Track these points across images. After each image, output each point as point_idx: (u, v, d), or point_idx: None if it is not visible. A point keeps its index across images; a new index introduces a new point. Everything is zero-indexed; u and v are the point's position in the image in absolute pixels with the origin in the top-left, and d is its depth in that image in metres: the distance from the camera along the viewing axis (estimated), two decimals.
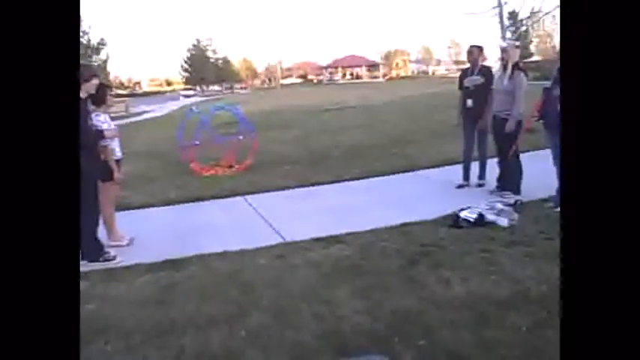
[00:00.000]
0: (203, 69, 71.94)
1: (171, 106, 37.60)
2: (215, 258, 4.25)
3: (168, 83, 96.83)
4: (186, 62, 74.32)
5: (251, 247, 4.46)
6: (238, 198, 6.63)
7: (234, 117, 10.95)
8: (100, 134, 4.54)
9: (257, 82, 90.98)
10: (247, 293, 3.42)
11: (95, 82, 4.44)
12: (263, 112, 22.58)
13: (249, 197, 6.60)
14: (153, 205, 6.47)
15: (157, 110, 34.27)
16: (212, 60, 75.68)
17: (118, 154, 4.87)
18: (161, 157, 10.70)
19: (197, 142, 8.96)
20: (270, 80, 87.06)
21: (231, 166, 8.86)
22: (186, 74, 74.94)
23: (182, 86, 74.23)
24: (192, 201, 6.58)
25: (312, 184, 7.12)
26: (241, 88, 77.29)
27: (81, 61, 4.34)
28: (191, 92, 64.10)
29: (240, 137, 9.40)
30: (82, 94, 4.26)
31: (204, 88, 73.08)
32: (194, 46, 74.47)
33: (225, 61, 79.60)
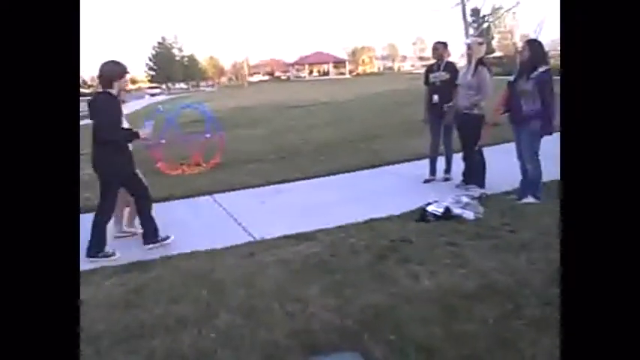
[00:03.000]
0: (169, 67, 70.92)
1: (137, 105, 36.86)
2: (183, 258, 4.19)
3: (133, 81, 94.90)
4: (151, 60, 73.07)
5: (220, 247, 4.42)
6: (207, 197, 6.55)
7: (201, 115, 10.83)
8: (135, 135, 4.52)
9: (224, 79, 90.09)
10: (217, 293, 3.38)
11: (127, 78, 4.46)
12: (230, 109, 22.36)
13: (217, 196, 6.53)
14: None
15: (123, 109, 33.47)
16: (178, 58, 74.68)
17: None
18: None
19: (162, 141, 8.82)
20: (237, 78, 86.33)
21: (198, 165, 8.77)
22: (151, 72, 73.67)
23: (148, 84, 72.89)
24: (160, 201, 6.47)
25: (281, 182, 7.10)
26: (208, 86, 76.45)
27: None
28: (157, 90, 63.00)
29: (208, 135, 9.30)
30: (115, 91, 4.34)
31: (171, 86, 72.07)
32: (159, 44, 73.30)
33: (192, 59, 78.63)
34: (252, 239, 4.70)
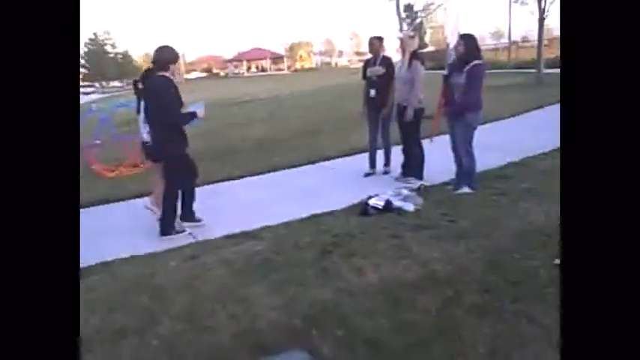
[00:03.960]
0: (102, 64, 67.88)
1: None
2: (122, 264, 4.03)
3: None
4: (83, 57, 69.80)
5: (161, 250, 4.29)
6: (146, 198, 6.33)
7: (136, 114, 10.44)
8: (194, 115, 4.66)
9: None
10: (158, 299, 3.28)
11: (179, 62, 4.52)
12: None
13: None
14: None
15: None
16: (111, 55, 71.70)
17: None
18: None
19: (97, 142, 8.44)
20: (173, 75, 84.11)
21: (136, 166, 8.45)
22: (83, 70, 70.39)
23: (80, 83, 69.64)
24: (97, 204, 6.20)
25: (221, 180, 6.97)
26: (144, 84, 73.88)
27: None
28: (90, 89, 60.27)
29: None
30: (170, 75, 4.54)
31: (104, 84, 69.20)
32: (91, 40, 69.99)
33: (126, 55, 75.78)
34: (193, 240, 4.59)
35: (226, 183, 6.85)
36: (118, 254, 4.23)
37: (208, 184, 6.80)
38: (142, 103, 5.00)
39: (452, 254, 3.45)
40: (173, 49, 4.62)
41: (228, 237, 4.44)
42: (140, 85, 5.29)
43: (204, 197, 6.16)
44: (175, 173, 4.77)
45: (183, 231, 4.78)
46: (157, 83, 4.53)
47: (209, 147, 10.02)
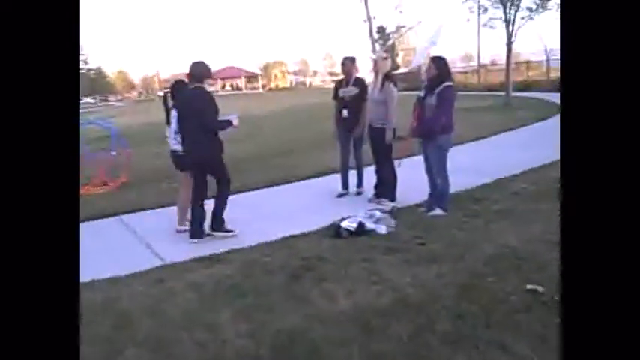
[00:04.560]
0: None
1: None
2: (83, 288, 3.86)
3: None
4: None
5: (126, 273, 4.13)
6: (113, 218, 6.16)
7: (105, 131, 10.26)
8: (230, 123, 4.97)
9: (134, 94, 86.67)
10: (122, 326, 3.13)
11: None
12: (140, 124, 21.46)
13: (125, 217, 6.16)
14: None
15: None
16: (84, 71, 70.86)
17: None
18: None
19: None
20: (147, 91, 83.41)
21: (104, 185, 8.25)
22: None
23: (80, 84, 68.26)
24: None
25: None
26: (118, 101, 73.09)
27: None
28: None
29: (113, 153, 8.81)
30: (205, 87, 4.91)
31: None
32: None
33: (99, 72, 74.96)
34: (161, 263, 4.44)
35: None
36: (81, 277, 4.05)
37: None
38: (174, 114, 5.18)
39: (424, 278, 3.41)
40: (207, 64, 5.01)
41: (197, 260, 4.31)
42: (170, 98, 5.44)
43: (173, 218, 6.03)
44: (204, 177, 5.07)
45: (212, 234, 5.02)
46: (196, 93, 4.84)
47: None
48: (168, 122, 5.41)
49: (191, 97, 4.87)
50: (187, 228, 5.22)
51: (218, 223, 5.13)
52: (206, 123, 4.79)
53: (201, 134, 4.82)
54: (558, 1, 17.84)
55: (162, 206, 6.58)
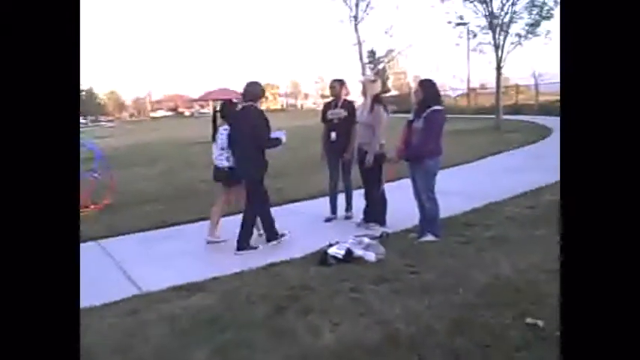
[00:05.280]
0: None
1: None
2: None
3: None
4: None
5: (99, 303, 3.87)
6: (91, 243, 5.89)
7: (89, 153, 10.01)
8: (278, 141, 5.24)
9: (125, 114, 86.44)
10: None
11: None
12: (129, 146, 21.24)
13: (104, 242, 5.89)
14: None
15: None
16: None
17: None
18: None
19: None
20: (139, 113, 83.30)
21: (86, 207, 7.98)
22: None
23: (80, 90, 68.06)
24: None
25: (176, 224, 6.60)
26: (108, 121, 72.79)
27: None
28: None
29: (96, 175, 8.57)
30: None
31: None
32: None
33: (90, 92, 74.78)
34: (138, 292, 4.19)
35: (182, 227, 6.48)
36: None
37: (160, 228, 6.43)
38: (222, 131, 5.42)
39: (415, 311, 3.19)
40: (261, 85, 5.33)
41: (175, 289, 4.06)
42: (219, 115, 5.61)
43: (155, 242, 5.80)
44: (260, 190, 5.25)
45: (257, 247, 5.18)
46: (251, 111, 5.10)
47: (167, 188, 9.66)
48: (214, 139, 5.60)
49: (246, 115, 5.12)
50: (217, 240, 5.57)
51: (271, 234, 5.30)
52: (259, 140, 5.03)
53: (252, 151, 5.06)
54: (547, 28, 18.09)
55: (144, 230, 6.34)
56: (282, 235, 5.33)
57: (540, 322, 2.86)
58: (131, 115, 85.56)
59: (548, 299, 3.21)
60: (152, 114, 78.47)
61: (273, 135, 5.22)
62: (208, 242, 5.58)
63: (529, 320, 2.90)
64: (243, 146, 5.11)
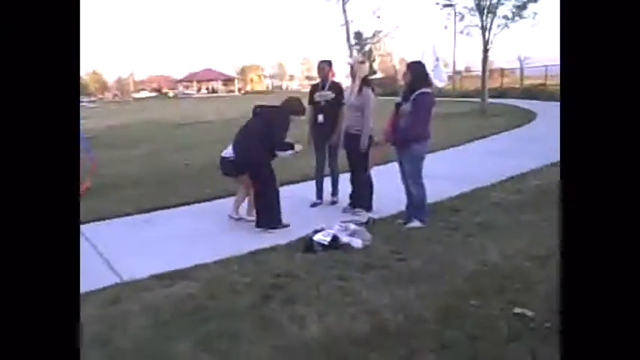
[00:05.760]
0: None
1: None
2: None
3: None
4: None
5: (81, 292, 3.77)
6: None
7: None
8: (291, 146, 5.37)
9: (108, 95, 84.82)
10: None
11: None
12: (111, 127, 20.83)
13: (83, 227, 5.75)
14: None
15: None
16: None
17: None
18: None
19: None
20: (122, 93, 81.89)
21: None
22: None
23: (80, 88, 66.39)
24: None
25: (159, 208, 6.44)
26: (90, 102, 71.47)
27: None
28: None
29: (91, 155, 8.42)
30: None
31: None
32: None
33: None
34: (119, 280, 4.08)
35: (165, 211, 6.34)
36: None
37: (143, 212, 6.30)
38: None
39: (403, 300, 3.14)
40: (303, 104, 5.61)
41: (157, 277, 3.96)
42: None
43: (137, 228, 5.67)
44: (261, 179, 5.23)
45: (288, 225, 5.17)
46: (280, 110, 5.37)
47: (150, 171, 9.47)
48: None
49: (272, 112, 5.37)
50: (236, 217, 5.67)
51: (262, 221, 5.20)
52: (273, 139, 5.16)
53: (257, 143, 5.15)
54: (534, 10, 18.07)
55: (126, 214, 6.20)
56: (287, 225, 5.21)
57: (529, 312, 2.83)
58: (114, 96, 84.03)
59: (536, 287, 3.19)
60: (135, 95, 77.15)
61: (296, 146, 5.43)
62: (230, 217, 5.71)
63: (517, 310, 2.87)
64: (247, 136, 5.27)
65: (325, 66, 6.07)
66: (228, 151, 5.66)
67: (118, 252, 4.78)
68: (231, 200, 6.27)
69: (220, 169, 5.87)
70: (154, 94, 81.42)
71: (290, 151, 5.38)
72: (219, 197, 6.80)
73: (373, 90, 5.61)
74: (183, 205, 6.58)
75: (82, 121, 13.95)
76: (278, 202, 5.27)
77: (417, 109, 4.73)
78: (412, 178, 4.96)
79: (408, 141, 4.83)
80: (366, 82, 5.56)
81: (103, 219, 6.08)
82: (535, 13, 18.41)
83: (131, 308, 3.38)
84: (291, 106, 5.41)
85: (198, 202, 6.71)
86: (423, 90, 4.75)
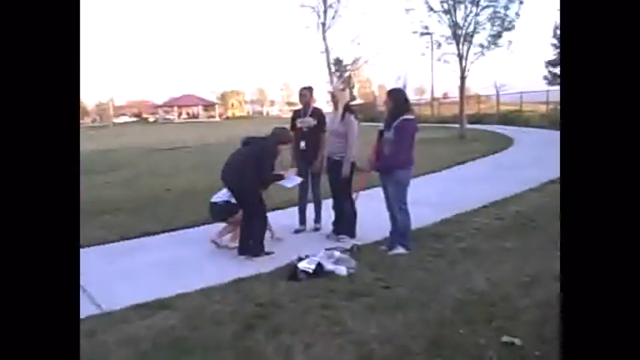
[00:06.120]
0: None
1: None
2: None
3: None
4: None
5: None
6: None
7: None
8: (280, 177, 5.44)
9: (87, 120, 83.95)
10: None
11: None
12: (91, 152, 20.52)
13: None
14: None
15: None
16: None
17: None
18: None
19: None
20: (101, 118, 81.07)
21: None
22: None
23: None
24: None
25: (139, 235, 6.32)
26: None
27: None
28: None
29: None
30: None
31: None
32: None
33: None
34: (97, 311, 3.95)
35: (144, 239, 6.21)
36: None
37: (124, 239, 6.17)
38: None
39: (390, 330, 3.08)
40: (288, 131, 5.73)
41: (137, 307, 3.85)
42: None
43: (117, 256, 5.54)
44: (250, 205, 5.25)
45: (272, 252, 5.15)
46: (266, 143, 5.41)
47: (130, 197, 9.32)
48: None
49: (260, 142, 5.45)
50: (219, 243, 5.54)
51: (245, 249, 5.18)
52: (261, 171, 5.20)
53: (245, 170, 5.19)
54: (508, 39, 18.56)
55: (105, 242, 6.06)
56: (270, 253, 5.18)
57: (517, 341, 2.80)
58: (93, 121, 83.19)
59: (523, 314, 3.17)
60: (115, 120, 76.43)
61: (291, 177, 5.51)
62: (212, 241, 5.59)
63: (505, 338, 2.84)
64: (240, 166, 5.27)
65: (307, 92, 6.09)
66: (218, 196, 5.71)
67: (98, 281, 4.64)
68: (212, 227, 6.20)
69: (210, 215, 5.86)
70: (134, 119, 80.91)
71: (293, 183, 5.54)
72: (200, 224, 6.70)
73: (357, 117, 5.64)
74: (164, 232, 6.47)
75: None
76: (264, 231, 5.28)
77: (400, 136, 4.75)
78: (397, 205, 4.96)
79: (392, 168, 4.84)
80: (349, 109, 5.59)
81: (82, 247, 5.92)
82: (510, 42, 18.94)
83: (108, 340, 3.26)
84: (279, 135, 5.46)
85: (180, 228, 6.61)
86: (405, 117, 4.78)
